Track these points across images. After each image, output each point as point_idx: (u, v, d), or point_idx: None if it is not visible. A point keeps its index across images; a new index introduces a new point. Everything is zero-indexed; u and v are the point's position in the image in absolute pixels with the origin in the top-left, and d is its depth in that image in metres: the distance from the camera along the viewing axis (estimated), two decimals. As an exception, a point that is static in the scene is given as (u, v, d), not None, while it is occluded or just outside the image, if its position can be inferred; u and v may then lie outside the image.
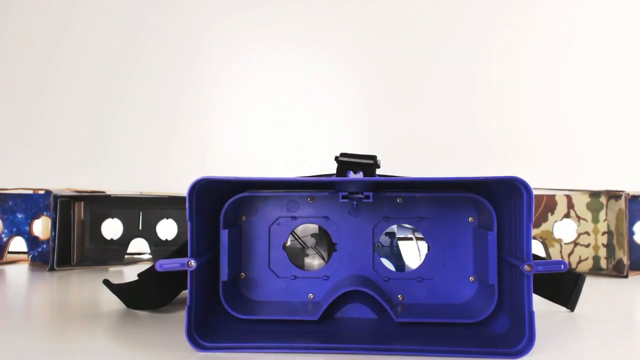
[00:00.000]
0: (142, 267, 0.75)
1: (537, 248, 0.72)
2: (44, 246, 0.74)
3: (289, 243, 0.52)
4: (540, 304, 0.42)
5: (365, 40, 1.04)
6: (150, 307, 0.47)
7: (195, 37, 1.04)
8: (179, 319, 0.44)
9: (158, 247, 0.79)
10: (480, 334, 0.37)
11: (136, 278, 0.46)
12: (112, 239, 0.79)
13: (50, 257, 0.72)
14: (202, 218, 0.36)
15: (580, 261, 0.74)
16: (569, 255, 0.74)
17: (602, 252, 0.74)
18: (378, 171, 0.40)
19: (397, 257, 0.56)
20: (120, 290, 0.48)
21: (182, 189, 0.58)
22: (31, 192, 0.76)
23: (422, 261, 0.43)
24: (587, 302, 0.50)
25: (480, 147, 1.01)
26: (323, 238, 0.54)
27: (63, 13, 1.04)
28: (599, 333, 0.41)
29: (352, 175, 0.37)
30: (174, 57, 1.04)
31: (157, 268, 0.34)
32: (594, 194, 0.74)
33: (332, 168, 0.40)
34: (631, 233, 0.71)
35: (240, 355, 0.34)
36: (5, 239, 0.77)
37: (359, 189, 0.39)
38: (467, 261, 0.42)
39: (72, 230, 0.76)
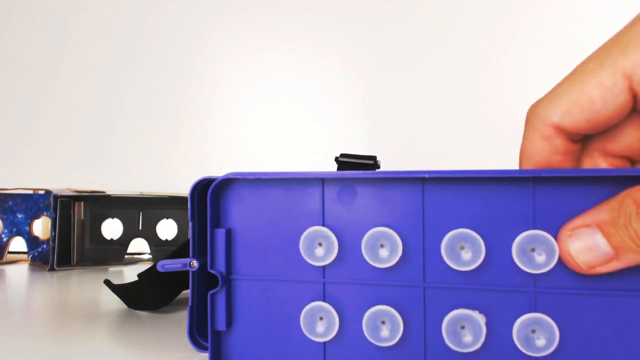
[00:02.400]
0: (142, 267, 0.75)
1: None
2: (44, 246, 0.74)
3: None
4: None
5: (366, 40, 1.04)
6: (151, 308, 0.47)
7: (195, 37, 1.04)
8: (180, 319, 0.44)
9: (158, 247, 0.79)
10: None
11: (136, 278, 0.46)
12: (112, 239, 0.79)
13: (50, 257, 0.72)
14: (203, 218, 0.36)
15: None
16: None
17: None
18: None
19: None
20: (121, 290, 0.48)
21: (182, 189, 0.58)
22: (31, 192, 0.76)
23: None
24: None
25: (481, 147, 1.01)
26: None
27: (63, 13, 1.04)
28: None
29: (353, 175, 0.37)
30: (174, 56, 1.04)
31: (159, 269, 0.34)
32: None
33: (332, 168, 0.40)
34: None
35: (242, 356, 0.34)
36: (5, 239, 0.77)
37: (360, 189, 0.39)
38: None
39: (72, 230, 0.76)
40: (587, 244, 0.20)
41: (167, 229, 0.80)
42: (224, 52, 1.04)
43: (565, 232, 0.21)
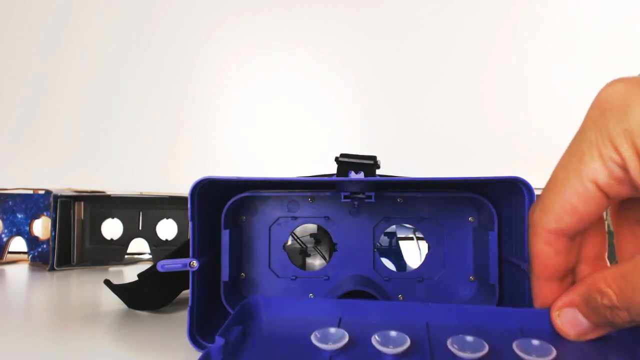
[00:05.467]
0: (142, 267, 0.75)
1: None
2: (44, 246, 0.74)
3: (289, 243, 0.52)
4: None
5: (366, 40, 1.04)
6: (151, 308, 0.47)
7: (195, 37, 1.04)
8: (180, 319, 0.44)
9: (158, 247, 0.79)
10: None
11: (136, 278, 0.46)
12: (112, 239, 0.79)
13: (50, 257, 0.72)
14: (203, 218, 0.36)
15: (580, 261, 0.74)
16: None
17: (602, 252, 0.74)
18: (377, 171, 0.40)
19: (397, 257, 0.56)
20: (121, 290, 0.48)
21: (182, 189, 0.58)
22: (31, 192, 0.76)
23: (422, 261, 0.43)
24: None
25: (481, 147, 1.01)
26: (324, 238, 0.54)
27: (63, 13, 1.04)
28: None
29: (353, 175, 0.37)
30: (174, 56, 1.04)
31: (159, 269, 0.34)
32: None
33: (332, 168, 0.40)
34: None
35: (242, 355, 0.34)
36: (5, 239, 0.77)
37: (361, 189, 0.39)
38: (467, 261, 0.42)
39: (72, 230, 0.76)
40: (571, 321, 0.26)
41: (167, 229, 0.80)
42: (224, 52, 1.04)
43: (554, 312, 0.27)
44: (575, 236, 0.27)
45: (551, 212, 0.25)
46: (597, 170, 0.23)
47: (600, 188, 0.24)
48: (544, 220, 0.26)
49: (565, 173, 0.25)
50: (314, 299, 0.30)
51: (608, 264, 0.28)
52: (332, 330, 0.27)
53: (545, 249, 0.26)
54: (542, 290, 0.28)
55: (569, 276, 0.28)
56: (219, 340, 0.25)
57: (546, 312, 0.27)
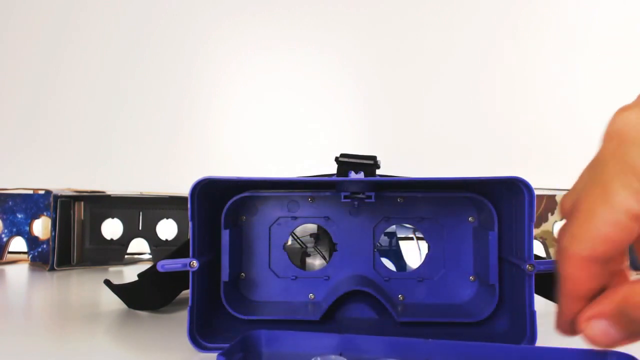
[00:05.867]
0: (142, 267, 0.75)
1: (537, 248, 0.72)
2: (44, 246, 0.74)
3: (289, 243, 0.52)
4: (541, 304, 0.42)
5: (365, 40, 1.04)
6: (151, 308, 0.47)
7: (195, 37, 1.04)
8: (180, 319, 0.44)
9: (158, 247, 0.79)
10: (480, 333, 0.37)
11: (136, 278, 0.46)
12: (112, 239, 0.79)
13: (50, 257, 0.72)
14: (203, 218, 0.36)
15: (580, 261, 0.74)
16: (569, 255, 0.74)
17: (602, 252, 0.74)
18: (377, 171, 0.40)
19: (397, 257, 0.56)
20: (121, 290, 0.48)
21: (182, 189, 0.58)
22: (31, 192, 0.76)
23: (422, 261, 0.43)
24: (588, 302, 0.49)
25: (481, 147, 1.01)
26: (324, 238, 0.54)
27: (63, 13, 1.04)
28: (600, 333, 0.41)
29: (353, 175, 0.37)
30: (175, 56, 1.04)
31: (159, 269, 0.34)
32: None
33: (332, 168, 0.40)
34: (631, 233, 0.71)
35: (242, 355, 0.34)
36: (5, 239, 0.77)
37: (361, 189, 0.39)
38: (468, 261, 0.42)
39: (72, 230, 0.76)
40: (603, 331, 0.26)
41: (167, 229, 0.80)
42: (224, 52, 1.04)
43: (582, 323, 0.26)
44: (610, 260, 0.27)
45: (583, 240, 0.26)
46: (627, 199, 0.24)
47: (631, 217, 0.24)
48: (576, 247, 0.26)
49: (591, 203, 0.25)
50: (315, 334, 0.30)
51: (629, 273, 0.28)
52: (333, 357, 0.28)
53: (578, 274, 0.27)
54: (571, 307, 0.28)
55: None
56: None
57: (546, 349, 0.28)
